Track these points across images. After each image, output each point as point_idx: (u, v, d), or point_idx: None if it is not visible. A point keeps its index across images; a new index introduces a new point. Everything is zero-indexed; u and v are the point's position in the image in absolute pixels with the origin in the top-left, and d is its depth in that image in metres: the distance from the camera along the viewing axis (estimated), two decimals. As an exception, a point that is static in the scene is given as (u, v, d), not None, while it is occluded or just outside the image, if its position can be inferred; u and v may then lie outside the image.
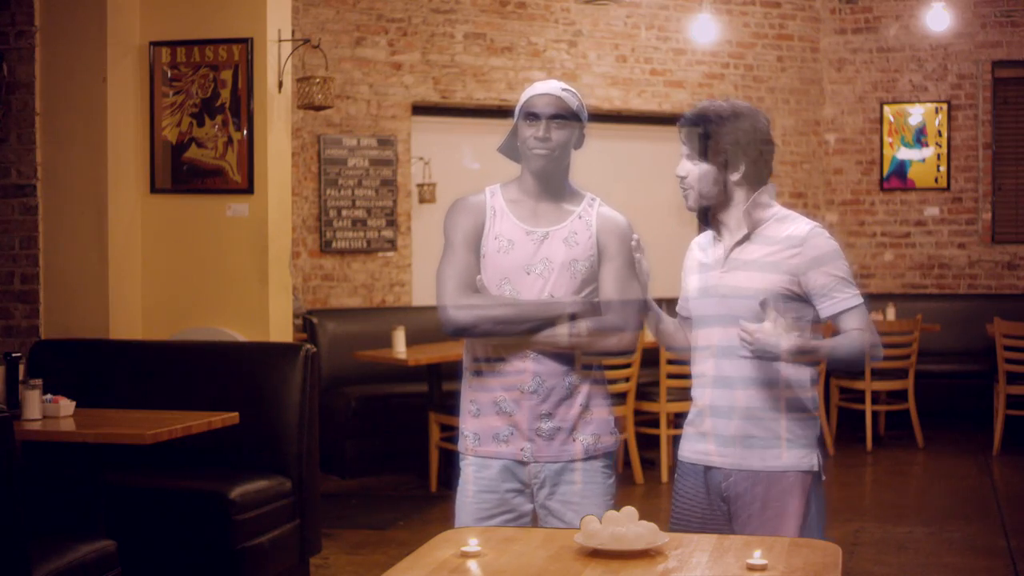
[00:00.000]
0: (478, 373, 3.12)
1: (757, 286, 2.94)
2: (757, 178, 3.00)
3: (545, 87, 3.14)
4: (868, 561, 5.62)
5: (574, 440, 3.09)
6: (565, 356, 3.08)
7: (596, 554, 2.47)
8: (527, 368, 3.06)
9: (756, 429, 2.96)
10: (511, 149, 3.20)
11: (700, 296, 3.05)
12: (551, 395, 3.07)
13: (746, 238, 3.00)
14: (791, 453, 2.96)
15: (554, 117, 3.10)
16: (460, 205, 3.17)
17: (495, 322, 3.04)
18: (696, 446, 3.05)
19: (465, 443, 3.15)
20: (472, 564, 2.46)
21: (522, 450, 3.08)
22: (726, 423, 2.98)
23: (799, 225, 2.99)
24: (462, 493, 3.15)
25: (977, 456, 8.13)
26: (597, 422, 3.13)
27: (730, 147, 2.96)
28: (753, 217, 2.99)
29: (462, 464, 3.17)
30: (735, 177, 2.99)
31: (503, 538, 2.66)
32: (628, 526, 2.50)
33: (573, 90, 3.17)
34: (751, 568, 2.37)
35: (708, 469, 3.02)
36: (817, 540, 2.69)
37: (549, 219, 3.13)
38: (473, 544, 2.51)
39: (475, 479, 3.12)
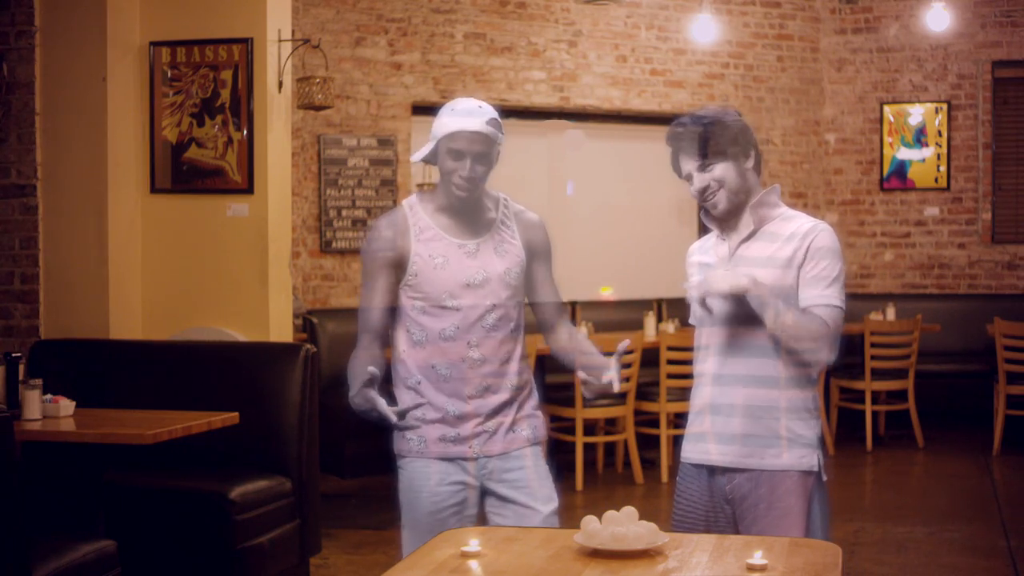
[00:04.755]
0: (419, 382, 3.18)
1: (764, 283, 2.94)
2: (759, 167, 3.04)
3: (468, 121, 3.09)
4: (868, 561, 5.62)
5: (514, 432, 3.20)
6: (504, 360, 3.17)
7: (596, 554, 2.47)
8: (475, 376, 3.15)
9: (756, 428, 2.96)
10: (434, 160, 3.21)
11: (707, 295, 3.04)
12: (498, 397, 3.17)
13: (751, 235, 3.00)
14: (791, 453, 2.96)
15: (477, 155, 3.10)
16: (378, 230, 3.22)
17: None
18: (697, 446, 3.05)
19: (408, 446, 3.22)
20: (472, 564, 2.46)
21: (470, 447, 3.17)
22: (726, 421, 2.98)
23: (804, 222, 3.00)
24: (410, 491, 3.20)
25: (977, 456, 8.13)
26: (532, 415, 3.25)
27: (736, 137, 2.98)
28: (759, 214, 3.00)
29: (402, 463, 3.23)
30: (749, 164, 3.00)
31: (503, 538, 2.66)
32: (628, 526, 2.50)
33: (494, 114, 3.14)
34: (751, 568, 2.37)
35: (712, 470, 3.01)
36: (817, 540, 2.69)
37: (474, 229, 3.20)
38: (473, 544, 2.51)
39: (423, 474, 3.18)
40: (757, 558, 2.39)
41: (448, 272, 3.14)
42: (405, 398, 3.21)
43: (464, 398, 3.15)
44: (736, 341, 2.95)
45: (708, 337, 3.03)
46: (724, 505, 3.00)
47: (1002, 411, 8.12)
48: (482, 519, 3.22)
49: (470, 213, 3.20)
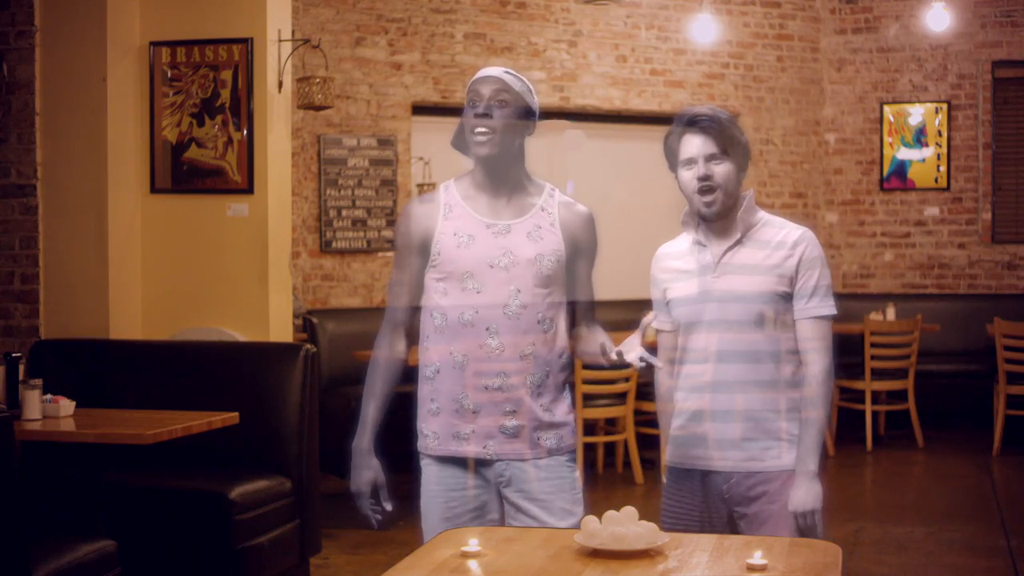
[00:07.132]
0: (438, 371, 3.01)
1: (755, 289, 2.97)
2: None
3: (487, 71, 3.04)
4: (868, 561, 5.62)
5: (538, 439, 3.01)
6: (527, 355, 2.97)
7: (596, 554, 2.46)
8: (492, 367, 2.96)
9: (756, 431, 2.98)
10: (461, 142, 3.07)
11: (693, 302, 3.02)
12: (515, 393, 2.97)
13: (738, 242, 3.01)
14: (791, 453, 2.98)
15: (494, 99, 2.98)
16: (408, 212, 3.10)
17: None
18: (692, 451, 3.04)
19: (425, 442, 3.07)
20: (472, 564, 2.46)
21: (485, 447, 2.99)
22: (725, 426, 2.99)
23: (790, 229, 3.03)
24: (428, 494, 3.07)
25: (977, 456, 8.13)
26: (560, 423, 3.05)
27: (742, 147, 2.99)
28: (746, 221, 3.02)
29: (423, 463, 3.09)
30: (743, 177, 3.02)
31: (503, 538, 2.66)
32: (628, 526, 2.50)
33: (520, 76, 3.06)
34: (751, 568, 2.37)
35: (707, 473, 3.02)
36: (817, 540, 2.69)
37: (510, 212, 3.02)
38: (473, 544, 2.51)
39: (439, 478, 3.05)
40: (757, 558, 2.39)
41: (471, 251, 2.96)
42: (424, 391, 3.05)
43: (480, 389, 2.95)
44: (732, 347, 2.96)
45: (702, 343, 3.01)
46: (719, 505, 3.02)
47: (1002, 411, 8.12)
48: (504, 522, 3.09)
49: (505, 192, 3.02)
